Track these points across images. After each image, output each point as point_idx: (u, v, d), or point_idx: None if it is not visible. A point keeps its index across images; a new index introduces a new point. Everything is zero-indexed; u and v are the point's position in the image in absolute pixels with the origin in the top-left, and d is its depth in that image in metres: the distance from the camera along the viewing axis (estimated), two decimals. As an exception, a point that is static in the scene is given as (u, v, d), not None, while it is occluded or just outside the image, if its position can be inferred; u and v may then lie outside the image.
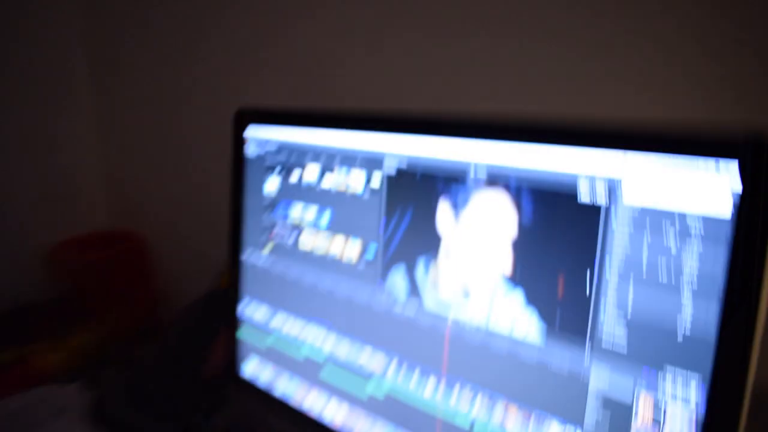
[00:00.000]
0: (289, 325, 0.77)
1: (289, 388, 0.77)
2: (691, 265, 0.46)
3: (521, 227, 0.54)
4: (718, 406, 0.47)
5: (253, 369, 0.82)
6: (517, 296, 0.55)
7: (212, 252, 1.05)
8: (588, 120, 0.51)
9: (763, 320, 0.45)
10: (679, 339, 0.47)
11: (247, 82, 1.16)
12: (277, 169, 0.75)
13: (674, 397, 0.48)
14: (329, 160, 0.69)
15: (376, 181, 0.65)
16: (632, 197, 0.49)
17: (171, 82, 1.34)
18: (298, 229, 0.74)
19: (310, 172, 0.72)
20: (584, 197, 0.51)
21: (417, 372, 0.64)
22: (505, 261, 0.56)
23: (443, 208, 0.59)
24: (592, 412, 0.52)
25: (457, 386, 0.61)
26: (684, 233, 0.46)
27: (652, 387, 0.49)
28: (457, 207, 0.58)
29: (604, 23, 0.75)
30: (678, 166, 0.47)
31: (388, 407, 0.67)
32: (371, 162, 0.65)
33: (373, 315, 0.67)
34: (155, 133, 1.42)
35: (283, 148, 0.74)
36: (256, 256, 0.80)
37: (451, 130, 0.59)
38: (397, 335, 0.65)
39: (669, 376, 0.48)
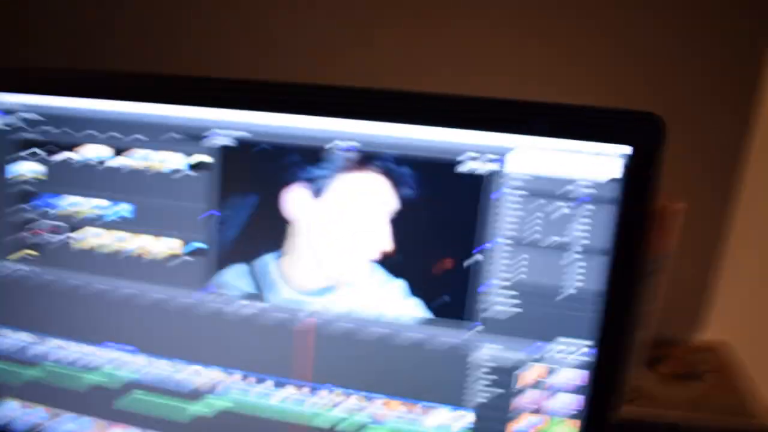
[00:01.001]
0: (63, 351, 0.58)
1: (69, 428, 0.59)
2: (577, 225, 0.46)
3: (401, 205, 0.48)
4: (603, 367, 0.48)
5: (12, 413, 0.61)
6: (396, 282, 0.49)
7: None
8: (475, 99, 0.47)
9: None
10: (567, 305, 0.47)
11: None
12: (36, 146, 0.55)
13: (565, 362, 0.48)
14: (124, 131, 0.52)
15: (202, 156, 0.51)
16: (518, 165, 0.46)
17: None
18: (72, 226, 0.55)
19: (94, 149, 0.53)
20: (466, 166, 0.47)
21: (267, 382, 0.54)
22: (378, 244, 0.49)
23: (298, 188, 0.49)
24: (477, 386, 0.50)
25: (328, 388, 0.53)
26: (570, 197, 0.46)
27: (542, 356, 0.49)
28: (316, 186, 0.49)
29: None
30: (570, 146, 0.45)
31: (221, 425, 0.55)
32: (192, 133, 0.51)
33: (204, 323, 0.54)
34: None
35: (45, 116, 0.54)
36: (6, 266, 0.58)
37: (303, 107, 0.49)
38: (242, 342, 0.53)
39: (559, 345, 0.48)
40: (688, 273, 0.73)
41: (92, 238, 0.55)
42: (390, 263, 0.49)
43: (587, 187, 0.45)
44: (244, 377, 0.54)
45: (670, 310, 0.67)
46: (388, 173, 0.47)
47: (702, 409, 0.63)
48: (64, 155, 0.54)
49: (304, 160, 0.49)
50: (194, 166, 0.51)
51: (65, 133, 0.54)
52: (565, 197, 0.46)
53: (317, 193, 0.49)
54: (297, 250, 0.50)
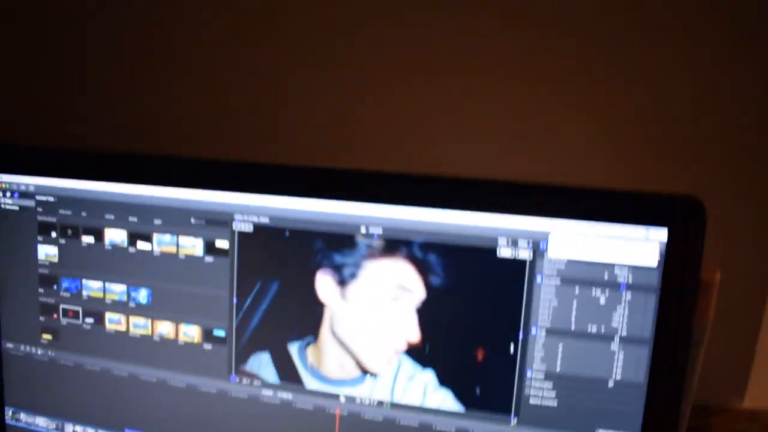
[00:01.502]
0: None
1: None
2: (619, 313, 0.44)
3: (429, 294, 0.46)
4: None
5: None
6: (425, 373, 0.47)
7: None
8: (512, 185, 0.45)
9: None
10: (609, 396, 0.45)
11: None
12: (57, 228, 0.53)
13: (608, 458, 0.46)
14: (143, 216, 0.51)
15: (223, 242, 0.50)
16: (558, 251, 0.44)
17: None
18: (89, 311, 0.54)
19: (114, 234, 0.52)
20: (504, 252, 0.45)
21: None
22: (405, 334, 0.47)
23: (324, 276, 0.48)
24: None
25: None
26: (612, 283, 0.44)
27: (586, 452, 0.46)
28: (343, 274, 0.47)
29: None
30: (608, 231, 0.43)
31: None
32: (214, 218, 0.50)
33: (226, 413, 0.52)
34: None
35: (64, 199, 0.53)
36: (24, 349, 0.56)
37: (327, 191, 0.47)
38: (265, 437, 0.51)
39: (601, 438, 0.46)
40: (728, 339, 0.70)
41: (110, 324, 0.53)
42: (418, 353, 0.47)
43: (626, 273, 0.43)
44: (269, 470, 0.52)
45: (711, 378, 0.64)
46: (416, 261, 0.46)
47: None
48: (82, 239, 0.53)
49: (328, 247, 0.47)
50: (214, 252, 0.50)
51: (82, 216, 0.52)
52: (604, 284, 0.44)
53: (342, 281, 0.47)
54: (322, 339, 0.49)
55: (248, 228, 0.49)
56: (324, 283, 0.47)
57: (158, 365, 0.52)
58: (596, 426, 0.45)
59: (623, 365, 0.44)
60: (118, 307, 0.53)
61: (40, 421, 0.57)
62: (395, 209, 0.46)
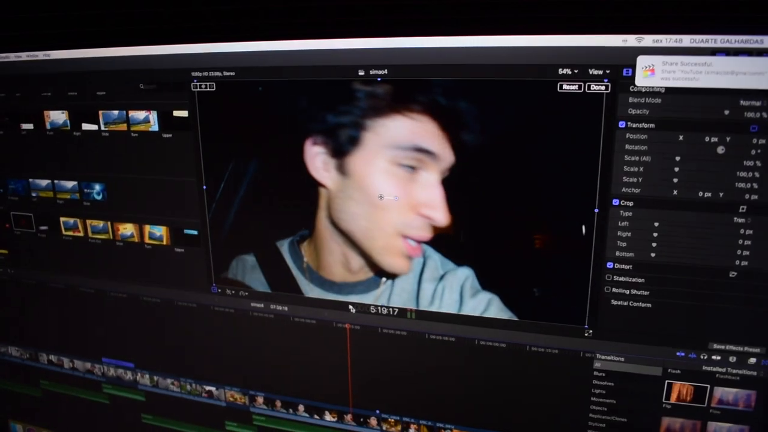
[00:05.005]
0: (72, 363, 0.47)
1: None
2: (748, 171, 0.29)
3: (459, 157, 0.32)
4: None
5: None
6: (460, 272, 0.34)
7: None
8: None
9: None
10: (726, 293, 0.31)
11: None
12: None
13: (723, 376, 0.32)
14: (84, 88, 0.39)
15: (181, 110, 0.37)
16: (651, 78, 0.29)
17: None
18: (48, 217, 0.43)
19: (54, 115, 0.40)
20: (568, 86, 0.30)
21: (305, 403, 0.40)
22: (437, 216, 0.33)
23: (315, 145, 0.34)
24: (595, 423, 0.34)
25: (376, 415, 0.39)
26: (736, 123, 0.28)
27: (689, 367, 0.32)
28: (339, 140, 0.34)
29: None
30: (726, 44, 0.28)
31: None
32: (167, 79, 0.37)
33: (210, 331, 0.41)
34: None
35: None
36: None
37: (315, 25, 0.33)
38: (261, 355, 0.40)
39: (713, 353, 0.32)
40: None
41: (66, 229, 0.42)
42: (449, 243, 0.34)
43: (759, 106, 0.28)
44: (271, 402, 0.41)
45: None
46: (439, 111, 0.32)
47: None
48: (21, 127, 0.41)
49: (316, 103, 0.34)
50: (172, 125, 0.37)
51: (16, 98, 0.41)
52: (723, 125, 0.29)
53: (339, 150, 0.34)
54: (319, 231, 0.36)
55: (210, 87, 0.36)
56: (315, 154, 0.34)
57: (126, 277, 0.42)
58: (709, 339, 0.32)
59: (753, 246, 0.30)
60: (72, 207, 0.42)
61: (12, 351, 0.48)
62: (404, 40, 0.31)
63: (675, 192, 0.30)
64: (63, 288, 0.44)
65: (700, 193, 0.30)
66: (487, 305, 0.34)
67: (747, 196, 0.29)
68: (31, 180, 0.43)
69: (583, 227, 0.31)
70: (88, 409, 0.47)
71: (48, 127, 0.41)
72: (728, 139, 0.29)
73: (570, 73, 0.30)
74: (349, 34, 0.32)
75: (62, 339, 0.46)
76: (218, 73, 0.35)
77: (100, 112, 0.39)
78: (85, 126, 0.40)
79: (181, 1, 0.35)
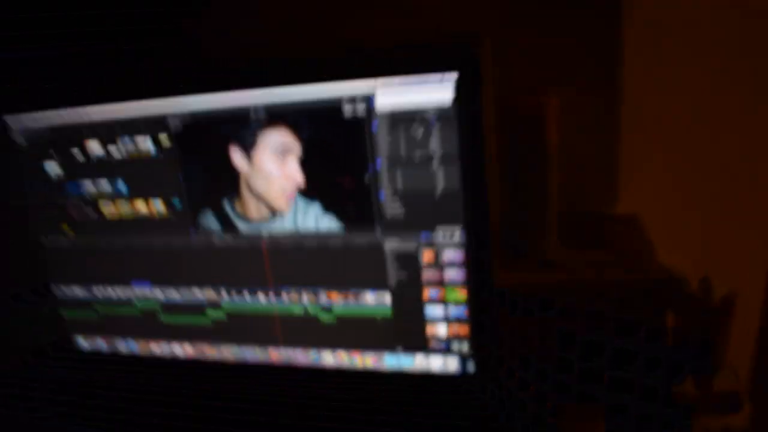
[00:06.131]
0: (113, 292, 0.79)
1: (132, 345, 0.81)
2: (434, 140, 0.61)
3: (305, 149, 0.65)
4: (475, 244, 0.64)
5: (91, 341, 0.83)
6: (314, 204, 0.67)
7: None
8: (339, 55, 0.62)
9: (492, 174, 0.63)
10: (439, 201, 0.63)
11: None
12: (54, 150, 0.74)
13: (446, 244, 0.65)
14: (108, 131, 0.71)
15: (166, 140, 0.69)
16: (383, 104, 0.62)
17: None
18: (94, 203, 0.75)
19: (92, 146, 0.73)
20: (348, 110, 0.63)
21: (248, 289, 0.73)
22: (298, 180, 0.66)
23: (234, 149, 0.67)
24: (392, 273, 0.67)
25: (285, 289, 0.72)
26: (424, 119, 0.61)
27: (430, 242, 0.65)
28: (246, 144, 0.66)
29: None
30: (413, 80, 0.60)
31: (232, 324, 0.75)
32: (154, 124, 0.69)
33: (193, 257, 0.73)
34: None
35: (54, 129, 0.74)
36: (54, 239, 0.79)
37: (225, 86, 0.66)
38: (221, 266, 0.73)
39: (440, 232, 0.64)
40: (596, 153, 0.84)
41: (105, 208, 0.75)
42: (306, 192, 0.66)
43: (433, 110, 0.60)
44: (230, 291, 0.73)
45: (586, 188, 0.81)
46: (292, 126, 0.64)
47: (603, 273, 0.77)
48: (75, 154, 0.74)
49: (233, 127, 0.66)
50: (161, 148, 0.70)
51: (68, 139, 0.73)
52: (419, 121, 0.61)
53: (247, 149, 0.66)
54: (242, 194, 0.69)
55: (179, 129, 0.68)
56: (234, 152, 0.67)
57: (145, 234, 0.74)
58: (435, 224, 0.64)
59: (444, 178, 0.62)
60: (107, 196, 0.74)
61: (75, 289, 0.81)
62: (270, 91, 0.64)
63: (403, 156, 0.62)
64: (105, 246, 0.77)
65: (416, 155, 0.62)
66: (329, 222, 0.67)
67: (435, 155, 0.62)
68: (82, 182, 0.75)
69: (366, 176, 0.64)
70: (126, 320, 0.79)
71: (91, 155, 0.73)
72: (422, 128, 0.61)
73: (347, 103, 0.62)
74: (244, 88, 0.65)
75: (107, 276, 0.79)
76: (183, 118, 0.68)
77: (119, 141, 0.71)
78: (112, 150, 0.72)
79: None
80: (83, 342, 0.83)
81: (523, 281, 0.74)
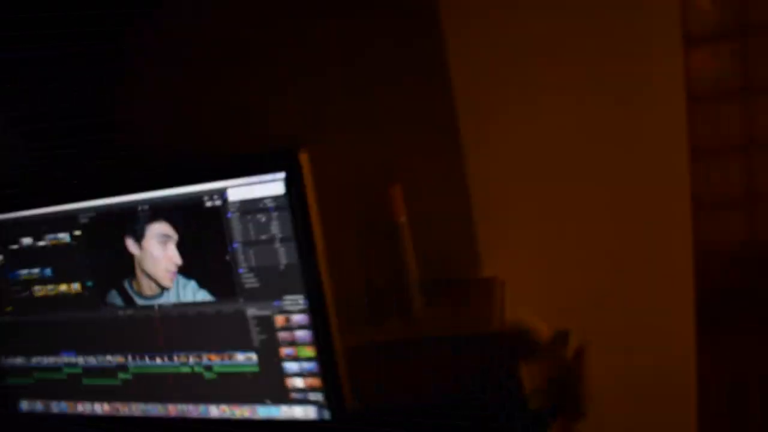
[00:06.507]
0: (46, 360, 0.94)
1: (63, 406, 0.95)
2: (274, 225, 0.77)
3: (180, 236, 0.81)
4: (315, 309, 0.78)
5: (30, 403, 0.98)
6: (191, 281, 0.82)
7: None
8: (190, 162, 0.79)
9: (322, 251, 0.77)
10: (284, 274, 0.78)
11: None
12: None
13: (293, 310, 0.79)
14: (35, 228, 0.89)
15: (78, 233, 0.86)
16: (234, 197, 0.78)
17: None
18: (28, 286, 0.92)
19: (24, 240, 0.90)
20: (208, 204, 0.79)
21: (147, 353, 0.88)
22: (177, 262, 0.82)
23: (129, 238, 0.83)
24: (254, 336, 0.81)
25: (176, 352, 0.86)
26: (265, 209, 0.76)
27: (281, 308, 0.79)
28: (137, 235, 0.83)
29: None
30: (255, 179, 0.77)
31: (138, 384, 0.89)
32: (68, 220, 0.86)
33: (105, 328, 0.89)
34: None
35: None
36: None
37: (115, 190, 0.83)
38: (126, 335, 0.88)
39: (287, 300, 0.78)
40: (453, 227, 0.98)
41: (37, 292, 0.91)
42: (184, 271, 0.82)
43: (270, 201, 0.76)
44: (134, 356, 0.88)
45: (452, 255, 0.95)
46: (168, 219, 0.80)
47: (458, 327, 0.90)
48: (13, 246, 0.91)
49: (125, 221, 0.83)
50: (75, 237, 0.86)
51: (11, 233, 0.91)
52: (261, 210, 0.77)
53: (137, 239, 0.83)
54: (137, 274, 0.84)
55: (86, 221, 0.85)
56: (128, 241, 0.83)
57: (67, 310, 0.90)
58: (283, 293, 0.78)
59: (285, 255, 0.77)
60: (38, 281, 0.91)
61: (16, 360, 0.96)
62: (152, 192, 0.81)
63: (253, 238, 0.78)
64: (36, 320, 0.92)
65: (262, 236, 0.77)
66: (203, 295, 0.81)
67: (276, 236, 0.77)
68: (18, 270, 0.92)
69: (227, 255, 0.79)
70: (57, 384, 0.94)
71: (23, 245, 0.90)
72: (264, 214, 0.77)
73: (207, 199, 0.78)
74: (131, 192, 0.82)
75: (41, 346, 0.94)
76: (88, 217, 0.85)
77: (45, 236, 0.88)
78: (39, 243, 0.89)
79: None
80: (24, 404, 0.98)
81: (388, 336, 0.88)
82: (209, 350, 0.84)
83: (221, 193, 0.78)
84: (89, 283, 0.88)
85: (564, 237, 1.01)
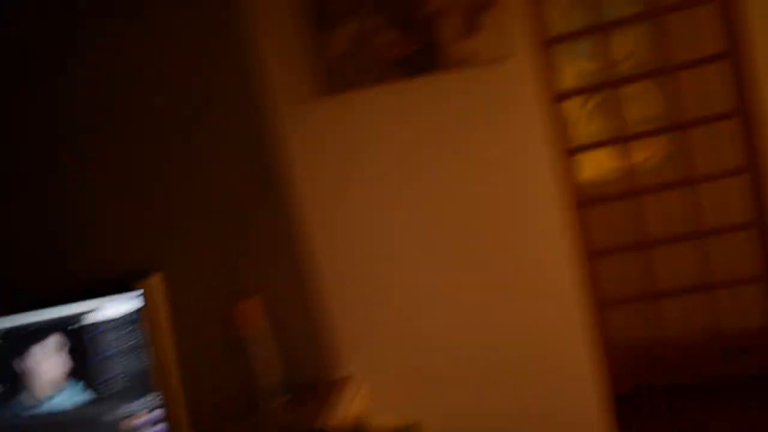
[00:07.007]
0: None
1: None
2: (128, 337, 0.95)
3: (67, 347, 1.00)
4: (167, 408, 0.94)
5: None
6: (78, 384, 1.00)
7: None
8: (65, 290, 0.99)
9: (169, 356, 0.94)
10: (139, 376, 0.95)
11: None
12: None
13: (150, 407, 0.95)
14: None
15: (-1, 345, 1.07)
16: (102, 315, 0.97)
17: None
18: None
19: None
20: (84, 320, 0.98)
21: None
22: (67, 369, 1.01)
23: (27, 351, 1.03)
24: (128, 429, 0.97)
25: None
26: (123, 322, 0.95)
27: (141, 405, 0.96)
28: (33, 346, 1.03)
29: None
30: (115, 299, 0.96)
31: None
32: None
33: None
34: None
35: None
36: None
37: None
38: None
39: (146, 398, 0.95)
40: (309, 334, 1.12)
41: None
42: (72, 377, 1.00)
43: (128, 316, 0.95)
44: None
45: (310, 360, 1.10)
46: (57, 332, 1.00)
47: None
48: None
49: (24, 338, 1.03)
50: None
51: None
52: (122, 324, 0.95)
53: (34, 350, 1.03)
54: (36, 381, 1.04)
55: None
56: (28, 353, 1.03)
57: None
58: (144, 393, 0.95)
59: (143, 361, 0.95)
60: None
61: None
62: (47, 310, 1.01)
63: (122, 347, 0.96)
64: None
65: (126, 345, 0.95)
66: (89, 395, 0.99)
67: (136, 344, 0.95)
68: None
69: (102, 363, 0.97)
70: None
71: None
72: (124, 327, 0.95)
73: (82, 316, 0.98)
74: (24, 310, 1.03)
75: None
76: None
77: (-16, 348, 1.10)
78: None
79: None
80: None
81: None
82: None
83: (93, 311, 0.98)
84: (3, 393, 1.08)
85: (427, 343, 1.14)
